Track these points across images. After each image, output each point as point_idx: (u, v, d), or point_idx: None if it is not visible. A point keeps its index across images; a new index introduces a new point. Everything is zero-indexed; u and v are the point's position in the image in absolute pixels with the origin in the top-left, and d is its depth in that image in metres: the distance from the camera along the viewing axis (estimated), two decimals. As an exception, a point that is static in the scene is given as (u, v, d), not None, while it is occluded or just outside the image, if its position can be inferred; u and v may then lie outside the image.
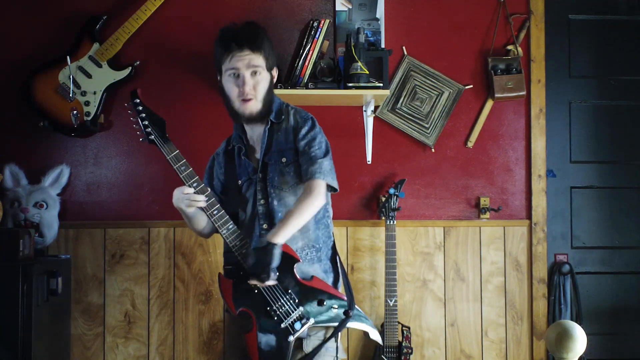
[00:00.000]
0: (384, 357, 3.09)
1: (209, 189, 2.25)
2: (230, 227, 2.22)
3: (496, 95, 3.33)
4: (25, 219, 3.05)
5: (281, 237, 2.15)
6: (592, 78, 3.58)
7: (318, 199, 2.24)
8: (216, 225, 2.22)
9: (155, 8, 3.21)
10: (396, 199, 3.19)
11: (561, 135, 3.53)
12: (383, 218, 3.19)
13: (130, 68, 3.23)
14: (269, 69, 2.33)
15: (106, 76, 3.21)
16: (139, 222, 3.30)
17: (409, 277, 3.36)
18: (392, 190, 3.20)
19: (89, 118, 3.18)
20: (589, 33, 3.57)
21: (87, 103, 3.18)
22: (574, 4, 3.56)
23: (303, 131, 2.32)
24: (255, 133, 2.38)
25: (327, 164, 2.29)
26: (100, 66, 3.21)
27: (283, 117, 2.35)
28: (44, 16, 3.31)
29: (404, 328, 3.15)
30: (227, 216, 2.22)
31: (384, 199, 3.26)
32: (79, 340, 3.25)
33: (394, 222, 3.16)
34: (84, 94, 3.18)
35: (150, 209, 3.31)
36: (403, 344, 3.13)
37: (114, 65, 3.22)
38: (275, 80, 2.39)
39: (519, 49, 3.40)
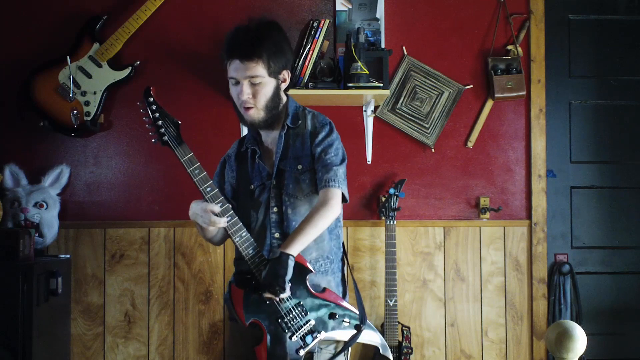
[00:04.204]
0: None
1: (222, 196, 2.11)
2: (244, 234, 2.09)
3: (496, 95, 3.33)
4: (25, 219, 3.05)
5: (295, 248, 2.05)
6: (592, 78, 3.58)
7: (334, 209, 2.14)
8: (229, 232, 2.10)
9: (155, 8, 3.21)
10: (396, 199, 3.18)
11: (561, 135, 3.53)
12: (383, 218, 3.19)
13: (130, 68, 3.23)
14: (274, 74, 2.18)
15: (106, 76, 3.21)
16: (139, 222, 3.30)
17: (409, 277, 3.36)
18: (392, 190, 3.20)
19: (89, 118, 3.18)
20: (589, 33, 3.57)
21: (87, 103, 3.18)
22: (574, 4, 3.56)
23: (320, 136, 2.23)
24: (270, 137, 2.28)
25: (342, 172, 2.20)
26: (100, 66, 3.21)
27: (300, 121, 2.26)
28: (44, 16, 3.31)
29: (404, 328, 3.15)
30: (241, 223, 2.11)
31: (384, 199, 3.26)
32: (79, 340, 3.25)
33: (394, 222, 3.16)
34: (84, 94, 3.19)
35: (150, 209, 3.31)
36: (403, 344, 3.13)
37: (114, 65, 3.22)
38: (286, 83, 2.24)
39: (519, 49, 3.40)
